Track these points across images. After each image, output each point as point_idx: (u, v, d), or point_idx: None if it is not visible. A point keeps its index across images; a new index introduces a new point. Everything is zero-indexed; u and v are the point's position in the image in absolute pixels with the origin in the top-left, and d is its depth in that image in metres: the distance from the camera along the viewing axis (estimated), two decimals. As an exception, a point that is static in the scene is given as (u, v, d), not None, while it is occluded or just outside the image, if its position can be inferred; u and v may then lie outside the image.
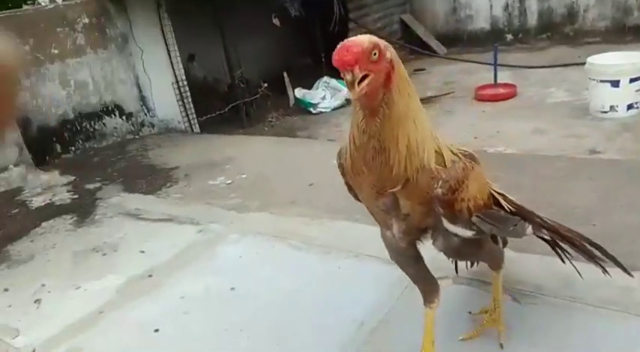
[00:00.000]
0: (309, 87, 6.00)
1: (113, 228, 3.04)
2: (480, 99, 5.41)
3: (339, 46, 1.08)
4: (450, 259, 1.76)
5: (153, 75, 4.99)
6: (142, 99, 5.10)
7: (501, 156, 3.83)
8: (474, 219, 1.34)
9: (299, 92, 6.05)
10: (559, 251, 1.80)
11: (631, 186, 2.69)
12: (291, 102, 6.21)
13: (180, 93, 5.06)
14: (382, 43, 1.12)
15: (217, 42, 5.47)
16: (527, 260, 2.08)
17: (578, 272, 1.79)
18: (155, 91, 5.04)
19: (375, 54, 1.08)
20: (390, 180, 1.23)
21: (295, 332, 1.92)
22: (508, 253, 1.97)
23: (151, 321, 2.11)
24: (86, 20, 4.68)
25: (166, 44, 4.87)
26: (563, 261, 1.82)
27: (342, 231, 2.54)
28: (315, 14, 6.34)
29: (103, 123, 4.86)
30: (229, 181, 3.52)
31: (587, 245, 1.69)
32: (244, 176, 3.57)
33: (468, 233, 1.36)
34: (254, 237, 2.68)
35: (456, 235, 1.38)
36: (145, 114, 5.14)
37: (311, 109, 5.78)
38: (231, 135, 4.99)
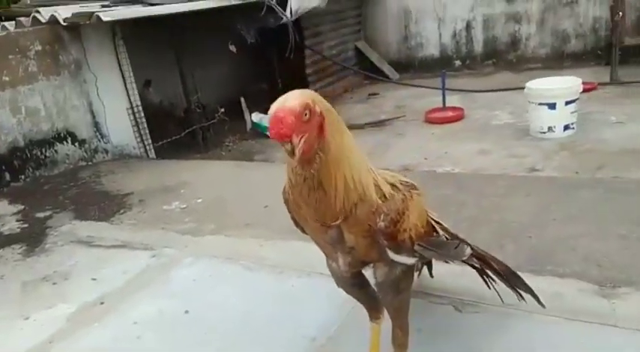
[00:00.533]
0: (266, 111, 6.07)
1: (64, 257, 2.98)
2: (430, 121, 5.65)
3: (272, 117, 1.09)
4: (380, 296, 1.60)
5: (107, 101, 4.96)
6: (96, 125, 5.05)
7: (449, 175, 4.01)
8: (417, 247, 1.40)
9: (256, 116, 6.14)
10: (485, 278, 1.90)
11: (564, 200, 2.89)
12: (248, 126, 6.29)
13: (135, 118, 5.05)
14: (310, 99, 1.14)
15: (174, 68, 5.52)
16: (469, 272, 2.20)
17: (500, 297, 1.91)
18: (109, 117, 5.01)
19: (306, 114, 1.11)
20: (329, 215, 1.27)
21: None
22: (452, 267, 2.09)
23: (102, 348, 2.09)
24: (39, 47, 4.63)
25: (121, 70, 4.88)
26: (489, 287, 1.92)
27: (295, 251, 2.60)
28: (272, 41, 6.49)
29: (55, 150, 4.77)
30: (184, 206, 3.53)
31: (508, 275, 1.83)
32: (200, 200, 3.59)
33: (411, 260, 1.42)
34: (208, 260, 2.70)
35: (399, 264, 1.43)
36: (99, 141, 5.09)
37: (267, 133, 5.86)
38: (187, 160, 5.00)
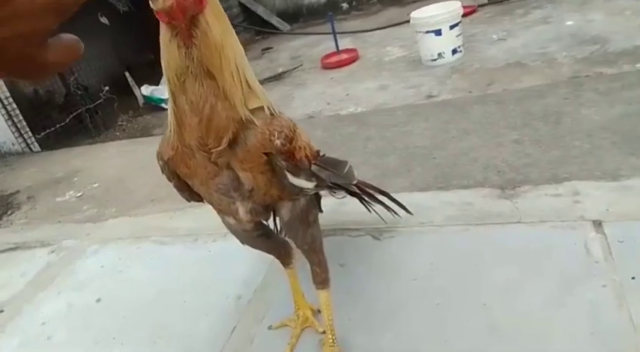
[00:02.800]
0: (157, 82, 5.72)
1: (-51, 273, 2.65)
2: (327, 67, 5.60)
3: None
4: (289, 235, 1.55)
5: (-31, 98, 4.39)
6: (-39, 126, 4.48)
7: (353, 115, 4.02)
8: (313, 167, 1.34)
9: (146, 90, 5.75)
10: (365, 203, 1.95)
11: (460, 119, 2.99)
12: (140, 101, 5.89)
13: (8, 112, 4.52)
14: None
15: (40, 50, 4.96)
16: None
17: (381, 218, 2.00)
18: (-24, 115, 4.45)
19: None
20: (220, 126, 1.13)
21: (173, 325, 1.85)
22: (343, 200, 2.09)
23: (9, 358, 1.89)
24: None
25: (-24, 60, 4.30)
26: (370, 211, 1.98)
27: (205, 216, 2.46)
28: (147, 7, 6.02)
29: None
30: (80, 194, 3.25)
31: (379, 194, 1.92)
32: (96, 185, 3.32)
33: (310, 184, 1.34)
34: (115, 244, 2.51)
35: (300, 191, 1.35)
36: (-30, 143, 4.52)
37: (162, 105, 5.53)
38: (77, 147, 4.60)
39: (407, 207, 1.99)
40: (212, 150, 1.17)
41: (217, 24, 1.09)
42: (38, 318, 2.08)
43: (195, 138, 1.16)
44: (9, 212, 3.25)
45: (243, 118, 1.15)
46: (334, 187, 1.65)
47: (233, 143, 1.17)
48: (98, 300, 2.09)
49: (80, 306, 2.08)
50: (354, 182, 1.57)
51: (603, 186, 1.99)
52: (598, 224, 1.78)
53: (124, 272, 2.25)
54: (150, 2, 1.04)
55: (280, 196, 1.33)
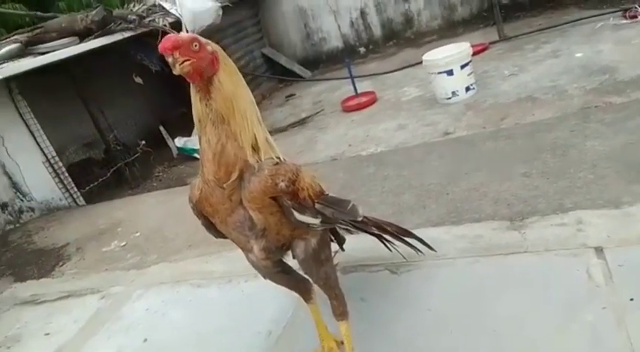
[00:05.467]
0: (189, 134, 6.10)
1: (12, 320, 2.91)
2: (347, 110, 5.87)
3: (163, 39, 1.33)
4: (306, 273, 1.73)
5: (20, 159, 4.80)
6: (14, 185, 4.87)
7: (373, 155, 4.23)
8: (317, 205, 1.52)
9: (179, 141, 6.13)
10: (384, 242, 2.09)
11: (472, 155, 3.16)
12: (174, 152, 6.26)
13: (55, 170, 4.92)
14: (203, 39, 1.37)
15: (82, 111, 5.41)
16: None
17: (403, 256, 2.12)
18: (27, 175, 4.85)
19: (195, 45, 1.33)
20: (230, 163, 1.39)
21: (212, 361, 2.04)
22: (365, 238, 2.23)
23: (68, 397, 2.11)
24: None
25: (27, 125, 4.75)
26: (390, 250, 2.11)
27: (239, 258, 2.66)
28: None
29: (-23, 221, 4.58)
30: (123, 243, 3.52)
31: (400, 232, 2.06)
32: (138, 234, 3.59)
33: (316, 221, 1.52)
34: (157, 288, 2.74)
35: (312, 237, 1.56)
36: (22, 200, 4.91)
37: (195, 155, 5.88)
38: (119, 199, 4.94)
39: (429, 243, 2.11)
40: (224, 185, 1.42)
41: (230, 81, 1.40)
42: (92, 360, 2.30)
43: (211, 173, 1.43)
44: (60, 263, 3.54)
45: (249, 159, 1.41)
46: (353, 228, 1.85)
47: (241, 182, 1.42)
48: (145, 341, 2.30)
49: (129, 348, 2.30)
50: (359, 219, 1.71)
51: (605, 215, 2.12)
52: (600, 250, 1.90)
53: (166, 314, 2.47)
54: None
55: (293, 235, 1.53)
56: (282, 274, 1.73)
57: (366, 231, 1.94)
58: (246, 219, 1.47)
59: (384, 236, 2.05)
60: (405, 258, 2.15)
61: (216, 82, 1.37)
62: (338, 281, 1.71)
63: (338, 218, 1.57)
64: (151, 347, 2.25)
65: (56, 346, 2.51)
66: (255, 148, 1.43)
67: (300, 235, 1.56)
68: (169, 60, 1.32)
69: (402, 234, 2.06)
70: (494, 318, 1.75)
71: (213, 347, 2.11)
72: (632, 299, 1.64)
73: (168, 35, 1.35)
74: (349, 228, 1.78)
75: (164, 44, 1.31)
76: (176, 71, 1.33)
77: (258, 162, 1.43)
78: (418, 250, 2.11)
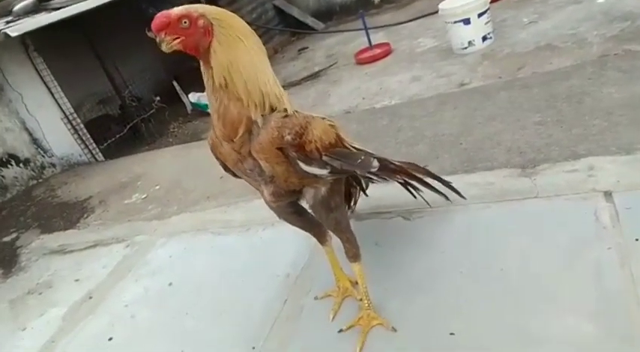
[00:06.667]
0: (202, 89, 6.08)
1: (42, 269, 3.09)
2: (361, 63, 5.81)
3: (155, 17, 1.36)
4: (316, 217, 1.79)
5: (39, 115, 4.91)
6: (35, 141, 5.00)
7: (386, 108, 4.22)
8: (325, 157, 1.54)
9: (193, 97, 6.16)
10: (410, 189, 2.13)
11: (486, 104, 3.16)
12: (189, 108, 6.31)
13: (73, 126, 5.03)
14: (196, 13, 1.37)
15: (97, 67, 5.45)
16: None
17: (427, 202, 2.15)
18: (47, 131, 4.97)
19: (185, 22, 1.36)
20: (236, 120, 1.44)
21: (234, 301, 2.16)
22: (390, 187, 2.30)
23: (102, 333, 2.26)
24: (-47, 77, 4.52)
25: (44, 82, 4.82)
26: (415, 197, 2.15)
27: (257, 208, 2.77)
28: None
29: (2, 176, 4.73)
30: (144, 196, 3.64)
31: (429, 178, 2.06)
32: (158, 187, 3.71)
33: (324, 171, 1.55)
34: (179, 236, 2.87)
35: (315, 177, 1.57)
36: (43, 156, 5.05)
37: (209, 110, 5.91)
38: (137, 154, 5.05)
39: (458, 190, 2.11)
40: (233, 139, 1.49)
41: (225, 50, 1.41)
42: (121, 302, 2.45)
43: (219, 131, 1.51)
44: (85, 215, 3.69)
45: (253, 116, 1.45)
46: (375, 177, 1.90)
47: (250, 135, 1.47)
48: (170, 284, 2.44)
49: (155, 290, 2.44)
50: (373, 170, 1.71)
51: (617, 160, 2.14)
52: (608, 194, 1.94)
53: (189, 260, 2.60)
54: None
55: (302, 183, 1.59)
56: (296, 215, 1.79)
57: (389, 180, 1.98)
58: (256, 167, 1.54)
59: (411, 182, 2.06)
60: (429, 205, 2.17)
61: (212, 51, 1.40)
62: (349, 225, 1.78)
63: (348, 170, 1.59)
64: (177, 290, 2.39)
65: (86, 290, 2.67)
66: (264, 105, 1.46)
67: (309, 183, 1.61)
68: (157, 40, 1.35)
69: (429, 176, 2.06)
70: (503, 259, 1.83)
71: (235, 289, 2.23)
72: (637, 240, 1.69)
73: (158, 15, 1.36)
74: (370, 176, 1.82)
75: (153, 26, 1.34)
76: (163, 48, 1.37)
77: (264, 116, 1.47)
78: (446, 197, 2.11)
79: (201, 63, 1.43)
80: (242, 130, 1.46)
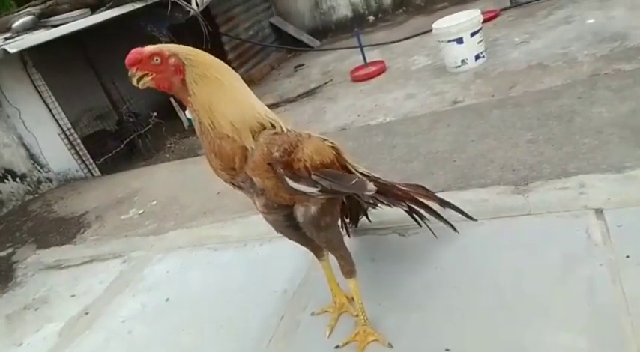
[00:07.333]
0: (199, 106, 6.16)
1: (38, 284, 3.08)
2: (356, 80, 5.89)
3: (130, 52, 1.43)
4: (309, 233, 1.76)
5: (37, 131, 4.93)
6: (32, 157, 5.02)
7: (381, 125, 4.29)
8: (314, 176, 1.55)
9: (190, 113, 6.20)
10: (415, 217, 2.15)
11: (479, 122, 3.22)
12: (185, 124, 6.35)
13: (70, 141, 5.05)
14: (168, 52, 1.42)
15: (95, 83, 5.50)
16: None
17: (433, 234, 2.15)
18: (44, 146, 4.99)
19: (156, 59, 1.42)
20: (227, 158, 1.50)
21: (232, 316, 2.17)
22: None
23: (99, 349, 2.27)
24: (-51, 90, 4.55)
25: (42, 98, 4.85)
26: (420, 225, 2.17)
27: (253, 223, 2.80)
28: (186, 36, 6.50)
29: (-2, 191, 4.75)
30: (141, 211, 3.66)
31: (437, 203, 2.10)
32: (154, 203, 3.72)
33: (313, 190, 1.56)
34: (176, 252, 2.88)
35: (312, 204, 1.62)
36: (39, 171, 5.06)
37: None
38: (133, 170, 5.07)
39: (467, 213, 2.15)
40: (234, 169, 1.54)
41: (204, 90, 1.44)
42: (118, 317, 2.45)
43: (217, 165, 1.56)
44: (81, 230, 3.69)
45: (247, 146, 1.50)
46: (376, 201, 1.92)
47: (246, 159, 1.52)
48: (167, 300, 2.45)
49: (152, 305, 2.45)
50: (368, 193, 1.71)
51: (607, 178, 2.19)
52: (599, 212, 1.99)
53: (186, 276, 2.61)
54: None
55: (292, 199, 1.62)
56: (292, 229, 1.79)
57: (392, 206, 2.01)
58: (247, 180, 1.58)
59: (418, 209, 2.09)
60: (435, 236, 2.16)
61: (191, 93, 1.44)
62: (342, 242, 1.80)
63: (339, 190, 1.60)
64: (174, 306, 2.39)
65: (83, 305, 2.67)
66: (255, 132, 1.50)
67: (300, 201, 1.63)
68: (129, 74, 1.42)
69: (438, 202, 2.11)
70: (497, 274, 1.86)
71: (232, 305, 2.24)
72: (627, 257, 1.73)
73: (131, 52, 1.42)
74: (371, 201, 1.85)
75: (127, 59, 1.41)
76: (135, 85, 1.44)
77: (256, 139, 1.51)
78: (453, 228, 2.12)
79: (184, 103, 1.49)
80: (239, 160, 1.50)
